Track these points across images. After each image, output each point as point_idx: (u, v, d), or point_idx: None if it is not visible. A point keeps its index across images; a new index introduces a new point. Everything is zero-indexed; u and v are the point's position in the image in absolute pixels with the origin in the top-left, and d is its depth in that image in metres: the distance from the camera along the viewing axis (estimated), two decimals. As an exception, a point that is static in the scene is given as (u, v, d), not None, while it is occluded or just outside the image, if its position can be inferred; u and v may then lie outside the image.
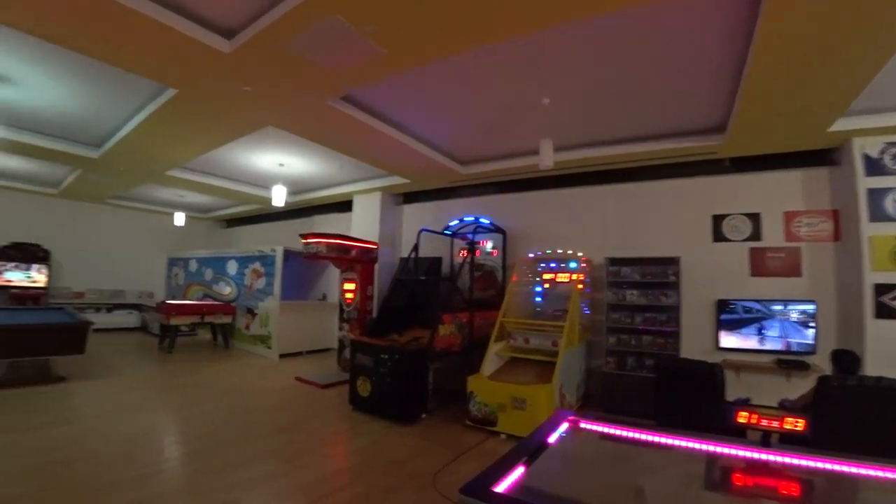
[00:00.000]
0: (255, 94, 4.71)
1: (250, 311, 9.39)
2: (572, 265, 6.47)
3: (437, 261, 7.68)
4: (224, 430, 4.69)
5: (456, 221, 7.45)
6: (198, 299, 11.03)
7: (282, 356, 8.70)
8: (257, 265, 9.38)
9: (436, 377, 5.61)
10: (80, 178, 9.35)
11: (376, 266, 7.65)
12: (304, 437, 4.65)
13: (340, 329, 7.50)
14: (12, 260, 10.67)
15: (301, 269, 9.97)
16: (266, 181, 9.04)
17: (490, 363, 5.60)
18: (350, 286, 7.37)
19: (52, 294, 11.29)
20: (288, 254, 8.94)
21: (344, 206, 9.85)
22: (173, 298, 11.92)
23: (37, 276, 10.97)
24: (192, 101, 5.01)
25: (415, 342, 5.64)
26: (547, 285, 6.74)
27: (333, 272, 9.87)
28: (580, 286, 6.14)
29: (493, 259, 7.44)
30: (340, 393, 6.22)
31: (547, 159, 4.87)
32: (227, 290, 10.32)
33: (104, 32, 3.73)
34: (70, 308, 8.55)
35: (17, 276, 10.73)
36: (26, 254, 10.88)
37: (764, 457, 1.81)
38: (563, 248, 6.70)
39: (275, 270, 8.82)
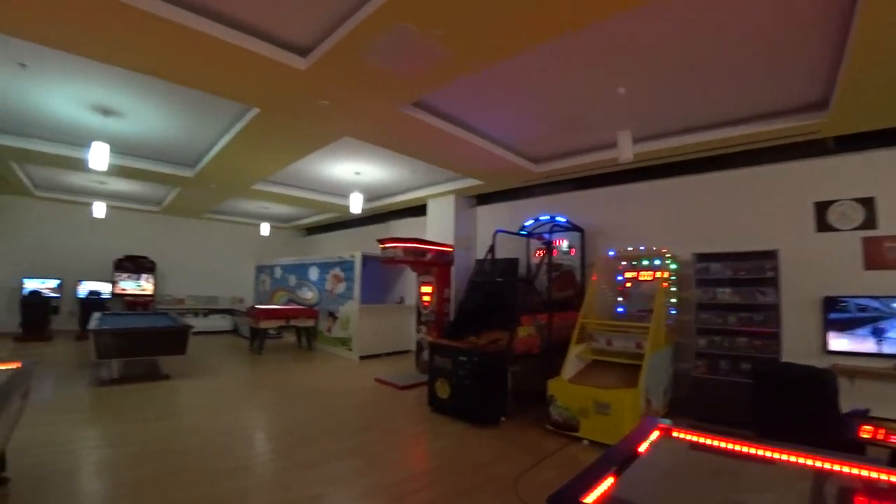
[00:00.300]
0: (331, 107, 4.90)
1: (332, 315, 9.75)
2: (656, 262, 6.15)
3: (513, 262, 7.58)
4: (309, 428, 4.87)
5: (531, 221, 7.32)
6: (283, 304, 11.61)
7: (362, 358, 8.94)
8: (337, 270, 9.72)
9: (514, 380, 5.51)
10: (179, 195, 10.22)
11: (452, 268, 7.67)
12: (385, 437, 4.72)
13: (418, 331, 7.59)
14: (126, 271, 11.85)
15: (379, 273, 10.23)
16: (343, 189, 9.36)
17: (571, 366, 5.42)
18: (427, 289, 7.44)
19: (158, 300, 12.41)
20: (366, 259, 9.19)
21: (418, 210, 10.00)
22: (261, 303, 12.64)
23: (145, 285, 12.10)
24: (274, 117, 5.31)
25: (493, 344, 5.58)
26: (629, 284, 6.46)
27: (410, 275, 10.03)
28: (665, 284, 5.82)
29: (570, 258, 7.23)
30: (419, 394, 6.27)
31: (626, 151, 4.65)
32: (309, 294, 10.79)
33: (195, 62, 4.08)
34: (172, 313, 9.27)
35: (130, 285, 11.91)
36: (137, 265, 12.04)
37: (892, 479, 1.58)
38: (645, 244, 6.38)
39: (354, 275, 9.09)
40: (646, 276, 6.32)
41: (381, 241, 7.22)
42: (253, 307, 9.77)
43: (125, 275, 11.86)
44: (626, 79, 4.45)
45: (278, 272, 12.43)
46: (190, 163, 7.92)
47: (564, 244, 7.37)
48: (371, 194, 9.68)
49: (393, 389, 6.68)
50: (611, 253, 6.52)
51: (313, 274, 10.70)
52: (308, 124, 5.49)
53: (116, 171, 7.98)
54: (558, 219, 7.00)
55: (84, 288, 11.42)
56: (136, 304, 11.68)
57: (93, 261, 11.77)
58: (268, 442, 4.58)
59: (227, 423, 4.94)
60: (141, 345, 6.44)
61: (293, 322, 9.61)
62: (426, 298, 7.46)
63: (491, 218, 8.89)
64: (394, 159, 7.25)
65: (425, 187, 8.98)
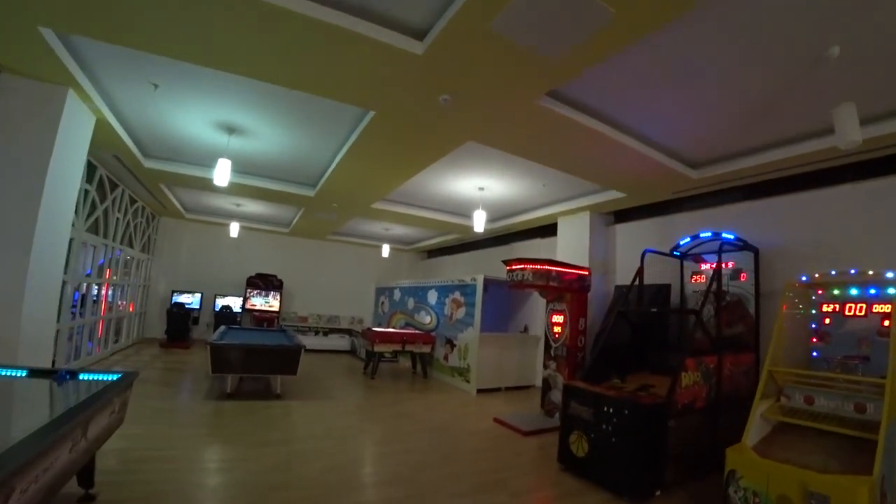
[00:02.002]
0: (452, 102, 4.22)
1: (449, 342, 9.04)
2: (871, 291, 4.53)
3: (663, 289, 6.26)
4: (421, 476, 4.10)
5: (687, 240, 5.99)
6: (400, 328, 11.21)
7: (479, 391, 8.07)
8: (457, 295, 9.02)
9: (671, 440, 4.26)
10: (304, 217, 10.39)
11: (588, 295, 6.56)
12: (506, 502, 3.76)
13: (546, 367, 6.54)
14: (257, 287, 12.37)
15: (501, 299, 9.38)
16: (466, 208, 8.74)
17: (756, 430, 4.04)
18: (558, 318, 6.41)
19: (283, 317, 12.79)
20: (488, 283, 8.38)
21: (547, 230, 9.05)
22: (379, 326, 12.42)
23: (273, 302, 12.52)
24: (390, 121, 4.79)
25: (646, 392, 4.41)
26: (828, 321, 4.87)
27: (536, 302, 9.05)
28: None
29: (739, 285, 5.76)
30: (546, 445, 5.24)
31: (851, 132, 3.32)
32: (427, 319, 10.23)
33: (311, 56, 3.66)
34: (291, 331, 9.23)
35: (259, 301, 12.38)
36: (266, 283, 12.51)
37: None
38: (850, 267, 4.77)
39: (475, 300, 8.31)
40: (856, 309, 4.71)
41: (508, 263, 6.37)
42: (369, 329, 9.41)
43: (255, 291, 12.38)
44: (841, 35, 3.16)
45: (397, 294, 12.11)
46: (311, 182, 7.83)
47: (730, 267, 5.92)
48: (495, 213, 8.91)
49: (515, 434, 5.69)
50: (803, 278, 4.98)
51: (432, 298, 10.13)
52: (427, 127, 4.87)
53: (243, 191, 8.16)
54: (725, 235, 5.60)
55: (220, 302, 12.07)
56: (262, 319, 12.09)
57: (229, 278, 12.53)
58: (376, 490, 3.85)
59: (336, 458, 4.37)
60: (253, 362, 6.24)
61: (409, 347, 9.06)
62: (557, 329, 6.41)
63: (631, 237, 7.63)
64: (522, 171, 6.43)
65: (555, 204, 8.00)
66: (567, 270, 6.20)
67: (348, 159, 6.05)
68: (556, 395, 6.30)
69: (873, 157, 4.94)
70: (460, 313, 8.83)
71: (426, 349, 9.30)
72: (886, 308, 4.48)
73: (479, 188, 7.32)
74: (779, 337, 4.62)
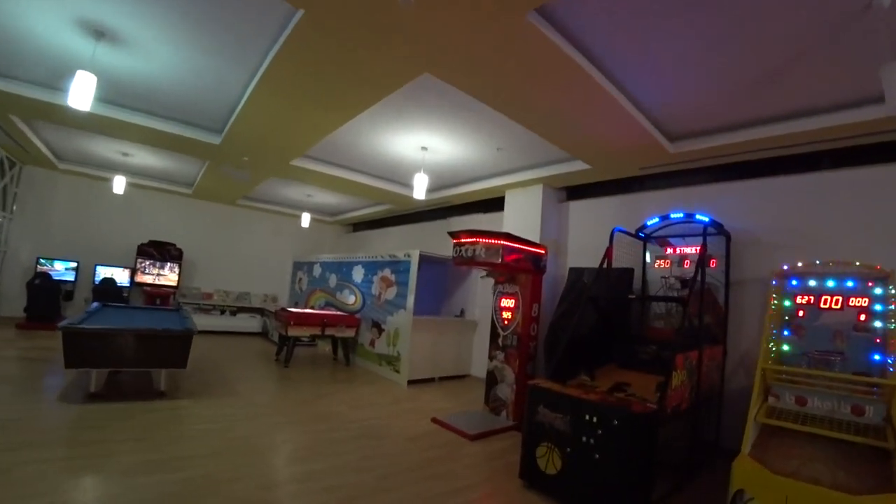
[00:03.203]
0: (417, 8, 3.11)
1: (376, 326, 8.02)
2: (848, 284, 4.12)
3: (625, 273, 5.61)
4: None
5: (655, 220, 5.37)
6: (320, 308, 10.01)
7: (411, 383, 7.15)
8: (387, 272, 7.99)
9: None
10: (209, 173, 8.84)
11: (543, 278, 5.80)
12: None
13: (491, 358, 5.73)
14: (150, 258, 10.56)
15: (435, 279, 8.47)
16: (402, 174, 7.69)
17: (751, 436, 3.46)
18: (508, 303, 5.60)
19: (184, 293, 11.08)
20: (424, 259, 7.43)
21: (490, 204, 8.22)
22: (296, 305, 11.12)
23: (170, 275, 10.77)
24: (324, 29, 3.51)
25: (625, 393, 3.70)
26: (801, 314, 4.44)
27: (474, 283, 8.23)
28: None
29: (710, 272, 5.24)
30: (498, 453, 4.45)
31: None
32: (351, 299, 9.11)
33: None
34: (188, 311, 7.74)
35: (152, 275, 10.59)
36: (162, 252, 10.74)
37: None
38: (837, 257, 4.35)
39: (409, 279, 7.33)
40: (830, 302, 4.30)
41: (455, 236, 5.44)
42: (283, 310, 8.15)
43: (148, 262, 10.54)
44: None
45: (317, 270, 10.81)
46: (216, 126, 6.36)
47: (697, 252, 5.40)
48: (435, 181, 7.89)
49: (460, 438, 4.83)
50: (785, 267, 4.51)
51: (357, 275, 9.00)
52: (376, 43, 3.65)
53: (127, 132, 6.53)
54: (700, 217, 5.03)
55: (103, 273, 10.14)
56: (155, 295, 10.30)
57: (116, 244, 10.55)
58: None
59: (230, 493, 3.13)
60: (123, 352, 4.78)
61: (329, 331, 7.93)
62: (507, 315, 5.61)
63: (586, 216, 6.97)
64: (476, 128, 5.48)
65: (505, 175, 7.15)
66: (525, 248, 5.39)
67: (264, 90, 4.72)
68: (504, 391, 5.53)
69: (857, 144, 4.52)
70: (390, 293, 7.82)
71: (350, 333, 8.22)
72: (863, 302, 4.10)
73: (423, 148, 6.30)
74: (768, 330, 4.12)
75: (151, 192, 10.95)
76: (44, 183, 9.93)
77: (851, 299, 4.16)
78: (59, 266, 9.80)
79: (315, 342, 9.77)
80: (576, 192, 7.16)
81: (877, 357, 3.92)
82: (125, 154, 8.48)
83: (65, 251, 10.01)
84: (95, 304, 6.82)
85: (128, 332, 4.86)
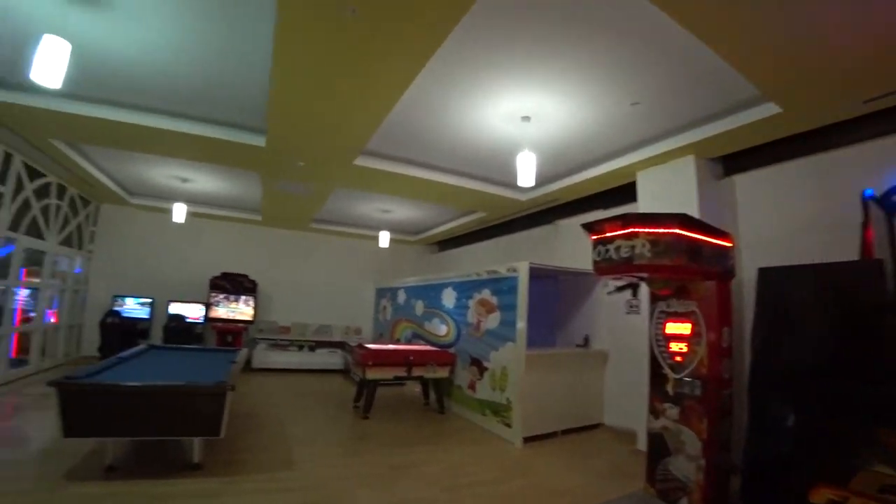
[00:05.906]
0: None
1: (476, 363, 6.24)
2: None
3: (871, 267, 3.43)
4: None
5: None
6: (406, 341, 8.46)
7: (527, 440, 5.28)
8: (487, 294, 6.21)
9: None
10: (268, 193, 7.73)
11: (732, 285, 3.76)
12: None
13: (656, 413, 3.74)
14: (223, 291, 9.69)
15: (543, 299, 6.58)
16: (497, 164, 5.97)
17: None
18: (680, 328, 3.61)
19: (260, 328, 10.09)
20: (534, 273, 5.60)
21: (612, 196, 6.25)
22: (380, 337, 9.69)
23: (244, 309, 9.82)
24: None
25: None
26: None
27: (598, 301, 6.26)
28: None
29: None
30: None
31: None
32: (442, 329, 7.43)
33: None
34: (243, 353, 6.37)
35: (225, 310, 9.70)
36: (235, 285, 9.81)
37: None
38: None
39: (517, 301, 5.51)
40: None
41: (596, 228, 3.58)
42: (360, 346, 6.65)
43: (221, 296, 9.64)
44: None
45: (401, 297, 9.29)
46: (256, 123, 5.05)
47: None
48: (539, 172, 5.90)
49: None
50: None
51: (448, 299, 7.31)
52: None
53: (160, 141, 5.40)
54: None
55: (173, 310, 9.34)
56: (225, 331, 9.33)
57: (188, 279, 9.83)
58: None
59: None
60: (135, 416, 3.45)
61: (417, 371, 6.29)
62: (678, 348, 3.62)
63: (761, 194, 4.79)
64: (597, 77, 3.68)
65: (637, 149, 5.18)
66: (710, 239, 3.41)
67: (285, 50, 3.28)
68: (682, 466, 3.52)
69: None
70: (492, 321, 6.02)
71: (443, 373, 6.52)
72: None
73: (524, 118, 4.55)
74: None
75: (220, 222, 10.19)
76: (119, 219, 9.54)
77: None
78: (130, 303, 9.17)
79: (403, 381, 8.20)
80: (737, 161, 5.00)
81: None
82: (184, 180, 7.63)
83: (140, 288, 9.47)
84: (143, 346, 5.77)
85: (138, 389, 3.51)
